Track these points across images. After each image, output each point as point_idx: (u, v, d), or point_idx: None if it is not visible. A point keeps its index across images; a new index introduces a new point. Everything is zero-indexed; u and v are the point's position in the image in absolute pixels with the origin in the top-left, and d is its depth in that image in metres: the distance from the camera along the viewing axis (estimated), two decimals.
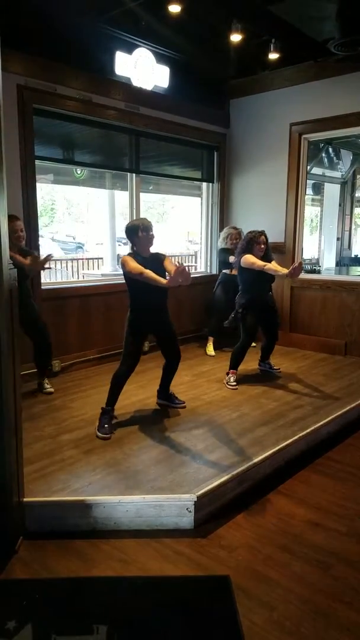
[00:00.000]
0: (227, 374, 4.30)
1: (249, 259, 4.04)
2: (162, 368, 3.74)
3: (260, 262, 3.99)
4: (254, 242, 4.11)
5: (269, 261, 4.08)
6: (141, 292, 3.25)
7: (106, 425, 3.24)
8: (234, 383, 4.22)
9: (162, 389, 3.79)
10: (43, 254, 3.88)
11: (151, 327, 3.51)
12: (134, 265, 3.10)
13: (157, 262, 3.28)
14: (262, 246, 4.11)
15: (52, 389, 4.09)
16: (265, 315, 4.40)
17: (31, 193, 4.24)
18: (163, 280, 3.00)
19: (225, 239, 5.35)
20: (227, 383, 4.24)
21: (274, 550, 2.32)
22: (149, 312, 3.40)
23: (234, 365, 4.30)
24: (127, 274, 3.19)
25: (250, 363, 4.71)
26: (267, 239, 4.18)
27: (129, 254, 3.28)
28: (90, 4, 4.01)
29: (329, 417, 3.55)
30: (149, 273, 3.02)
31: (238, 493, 2.74)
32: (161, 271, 3.21)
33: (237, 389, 4.16)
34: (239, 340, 4.30)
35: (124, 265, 3.16)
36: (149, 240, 3.27)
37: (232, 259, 5.04)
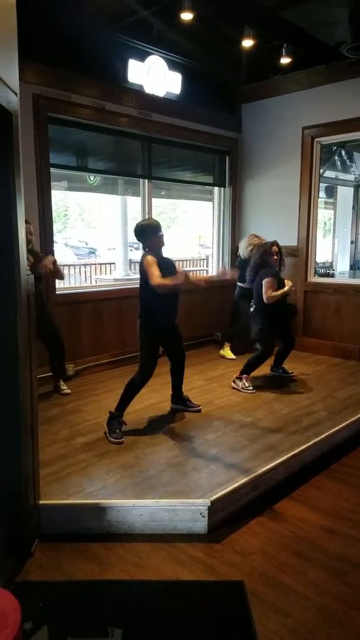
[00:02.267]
0: (240, 378, 4.24)
1: (267, 285, 4.09)
2: (169, 371, 3.72)
3: (270, 293, 4.07)
4: (267, 254, 4.17)
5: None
6: (160, 296, 3.22)
7: (117, 430, 3.23)
8: (252, 388, 4.18)
9: (175, 393, 3.79)
10: (59, 259, 3.95)
11: (167, 332, 3.49)
12: (156, 272, 3.11)
13: (170, 266, 3.30)
14: (276, 257, 4.16)
15: (68, 390, 4.15)
16: (284, 324, 4.43)
17: (46, 200, 4.30)
18: (179, 281, 3.05)
19: (250, 249, 5.02)
20: (243, 388, 4.19)
21: (288, 556, 2.32)
22: (167, 317, 3.39)
23: (248, 371, 4.25)
24: (146, 278, 3.18)
25: (262, 368, 4.69)
26: (279, 247, 4.22)
27: (151, 255, 3.21)
28: (104, 13, 4.07)
29: (344, 422, 3.52)
30: (165, 282, 3.08)
31: (252, 498, 2.73)
32: (173, 274, 3.23)
33: (254, 392, 4.14)
34: (258, 351, 4.27)
35: (148, 267, 3.13)
36: (161, 240, 3.28)
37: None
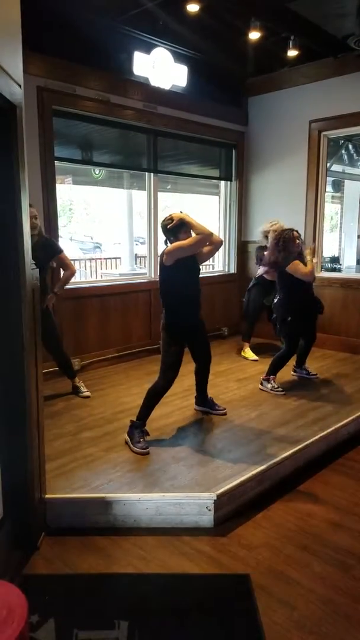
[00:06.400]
0: (268, 380, 4.09)
1: (294, 267, 3.86)
2: (194, 372, 3.55)
3: (302, 269, 3.84)
4: (290, 239, 3.91)
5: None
6: (182, 286, 3.13)
7: (142, 440, 3.04)
8: (280, 389, 4.02)
9: (200, 395, 3.64)
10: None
11: (191, 331, 3.32)
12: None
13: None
14: (298, 241, 3.94)
15: (88, 393, 3.99)
16: (310, 320, 4.25)
17: (51, 194, 4.29)
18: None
19: (266, 234, 4.92)
20: (272, 390, 4.02)
21: (294, 550, 2.31)
22: (189, 315, 3.24)
23: (274, 371, 4.10)
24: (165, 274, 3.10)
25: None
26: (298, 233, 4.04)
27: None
28: (109, 5, 4.04)
29: (350, 417, 3.51)
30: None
31: (258, 492, 2.73)
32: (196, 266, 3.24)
33: (284, 393, 3.98)
34: (282, 349, 4.14)
35: (172, 252, 3.03)
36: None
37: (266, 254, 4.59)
